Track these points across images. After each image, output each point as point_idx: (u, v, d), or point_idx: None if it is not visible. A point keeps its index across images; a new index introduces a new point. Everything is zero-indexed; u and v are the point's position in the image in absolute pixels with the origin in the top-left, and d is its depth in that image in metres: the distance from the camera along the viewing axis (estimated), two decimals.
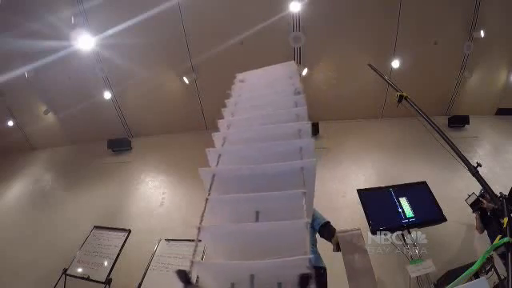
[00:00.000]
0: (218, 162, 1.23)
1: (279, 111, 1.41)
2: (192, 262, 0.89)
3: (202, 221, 1.02)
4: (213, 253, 1.09)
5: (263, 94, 1.63)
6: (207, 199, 1.08)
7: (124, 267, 3.94)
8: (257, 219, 1.05)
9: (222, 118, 1.51)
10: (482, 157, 5.14)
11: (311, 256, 0.80)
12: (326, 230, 2.37)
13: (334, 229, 2.33)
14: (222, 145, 1.31)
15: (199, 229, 1.00)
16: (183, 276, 0.82)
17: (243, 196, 1.10)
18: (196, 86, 5.74)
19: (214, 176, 1.16)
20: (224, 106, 1.57)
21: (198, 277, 0.88)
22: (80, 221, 4.75)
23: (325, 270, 2.28)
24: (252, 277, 0.86)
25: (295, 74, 1.74)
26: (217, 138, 1.35)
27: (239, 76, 1.87)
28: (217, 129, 1.44)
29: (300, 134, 1.25)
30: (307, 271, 0.78)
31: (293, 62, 2.00)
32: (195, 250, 0.97)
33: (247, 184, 1.12)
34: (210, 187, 1.12)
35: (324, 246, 2.37)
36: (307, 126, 1.27)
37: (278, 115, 1.39)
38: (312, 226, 2.39)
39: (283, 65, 2.02)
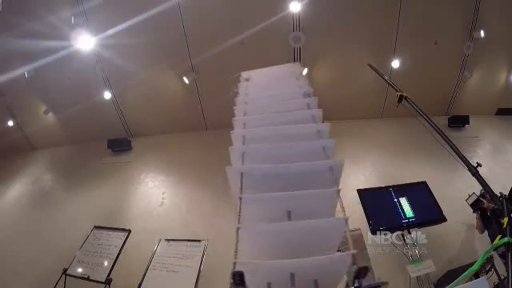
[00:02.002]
0: (242, 160, 1.23)
1: (295, 112, 1.43)
2: (234, 263, 0.89)
3: (239, 221, 1.01)
4: (248, 252, 1.07)
5: (272, 94, 1.64)
6: (241, 198, 1.08)
7: (124, 267, 3.93)
8: (289, 218, 1.05)
9: (233, 116, 1.52)
10: (482, 157, 5.13)
11: (355, 251, 0.81)
12: None
13: None
14: (243, 143, 1.32)
15: (238, 228, 0.99)
16: (239, 278, 0.81)
17: (276, 195, 1.09)
18: (196, 86, 5.74)
19: (242, 174, 1.15)
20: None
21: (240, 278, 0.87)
22: (80, 221, 4.74)
23: None
24: (293, 275, 0.86)
25: (301, 75, 1.75)
26: (236, 136, 1.36)
27: (244, 74, 1.88)
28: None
29: (320, 135, 1.26)
30: (351, 266, 0.78)
31: (297, 64, 2.02)
32: (236, 251, 0.95)
33: (275, 183, 1.13)
34: (242, 186, 1.12)
35: None
36: (326, 127, 1.29)
37: (293, 115, 1.40)
38: None
39: (287, 65, 2.04)
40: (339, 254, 0.82)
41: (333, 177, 1.07)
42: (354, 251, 0.81)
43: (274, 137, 1.31)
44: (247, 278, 0.90)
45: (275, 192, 1.08)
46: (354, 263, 0.80)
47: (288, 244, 1.00)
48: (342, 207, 0.95)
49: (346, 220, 0.91)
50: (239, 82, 1.81)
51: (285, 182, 1.13)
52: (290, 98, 1.57)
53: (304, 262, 0.87)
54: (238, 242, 0.96)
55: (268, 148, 1.30)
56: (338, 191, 1.00)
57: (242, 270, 0.89)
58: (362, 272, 0.77)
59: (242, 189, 1.12)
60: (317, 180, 1.06)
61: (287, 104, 1.51)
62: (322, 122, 1.33)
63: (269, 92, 1.69)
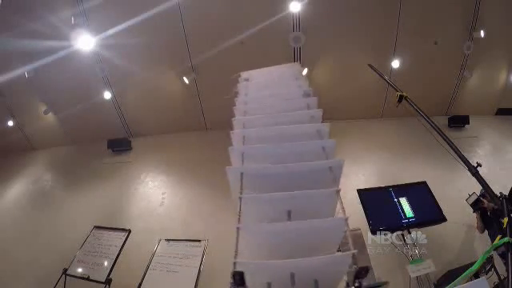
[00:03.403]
0: (242, 160, 1.23)
1: (295, 112, 1.42)
2: (234, 263, 0.89)
3: (239, 220, 1.01)
4: (248, 252, 1.07)
5: (272, 93, 1.64)
6: (240, 198, 1.08)
7: (124, 267, 3.93)
8: (289, 218, 1.05)
9: (233, 116, 1.52)
10: (481, 157, 5.14)
11: (355, 251, 0.81)
12: None
13: None
14: (243, 143, 1.32)
15: (238, 228, 0.99)
16: (239, 278, 0.81)
17: (276, 195, 1.09)
18: (196, 86, 5.74)
19: (242, 174, 1.15)
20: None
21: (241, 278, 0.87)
22: (80, 221, 4.74)
23: None
24: (293, 275, 0.86)
25: (301, 75, 1.76)
26: (236, 136, 1.36)
27: (244, 74, 1.88)
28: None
29: (320, 135, 1.26)
30: (352, 266, 0.78)
31: (297, 64, 2.02)
32: (236, 251, 0.95)
33: (275, 183, 1.13)
34: (241, 186, 1.12)
35: None
36: (326, 127, 1.28)
37: (293, 116, 1.40)
38: None
39: (287, 66, 2.04)
40: (339, 254, 0.81)
41: (332, 177, 1.07)
42: (355, 251, 0.81)
43: (273, 137, 1.31)
44: (247, 278, 0.90)
45: (275, 192, 1.08)
46: (354, 263, 0.80)
47: (288, 244, 1.00)
48: (343, 207, 0.95)
49: (346, 220, 0.91)
50: (239, 82, 1.82)
51: (285, 182, 1.13)
52: (290, 97, 1.57)
53: (304, 261, 0.87)
54: (237, 241, 0.96)
55: (267, 148, 1.30)
56: (338, 191, 0.99)
57: (242, 270, 0.89)
58: (362, 272, 0.77)
59: (241, 189, 1.11)
60: (317, 180, 1.06)
61: (287, 104, 1.51)
62: (322, 122, 1.33)
63: (268, 92, 1.69)
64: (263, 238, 1.03)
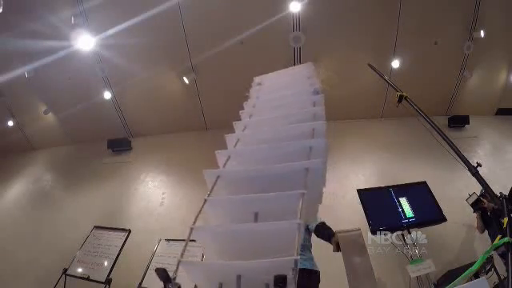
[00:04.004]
0: (225, 163, 1.23)
1: (296, 111, 1.40)
2: (179, 262, 0.90)
3: (195, 221, 1.02)
4: (208, 253, 1.10)
5: (282, 95, 1.63)
6: (205, 200, 1.08)
7: (124, 267, 3.93)
8: (255, 220, 1.05)
9: (234, 117, 1.51)
10: (481, 157, 5.14)
11: (297, 257, 0.79)
12: (322, 229, 2.32)
13: (331, 228, 2.31)
14: (235, 146, 1.31)
15: (191, 229, 1.01)
16: (163, 274, 0.82)
17: (241, 197, 1.10)
18: (196, 86, 5.74)
19: (217, 177, 1.16)
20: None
21: (175, 275, 0.89)
22: (80, 221, 4.75)
23: (319, 273, 2.25)
24: (239, 277, 0.86)
25: (313, 74, 1.74)
26: (230, 139, 1.35)
27: (256, 79, 1.88)
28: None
29: (314, 134, 1.23)
30: (292, 272, 0.77)
31: (310, 63, 1.99)
32: (184, 250, 0.97)
33: (251, 185, 1.12)
34: (212, 188, 1.13)
35: (323, 246, 2.36)
36: (321, 124, 1.25)
37: (294, 115, 1.38)
38: (307, 229, 2.35)
39: (300, 66, 2.03)
40: (282, 258, 0.80)
41: (304, 179, 1.06)
42: (297, 257, 0.80)
43: (268, 139, 1.30)
44: (197, 277, 0.94)
45: (247, 194, 1.09)
46: (293, 269, 0.79)
47: (241, 246, 1.01)
48: (301, 212, 0.93)
49: (299, 224, 0.89)
50: (251, 87, 1.81)
51: (261, 185, 1.12)
52: (299, 96, 1.55)
53: (249, 264, 0.87)
54: (187, 241, 0.98)
55: (253, 150, 1.29)
56: (302, 194, 0.97)
57: (189, 269, 0.93)
58: (278, 280, 0.76)
59: (211, 191, 1.13)
60: (294, 182, 1.05)
61: (295, 104, 1.49)
62: (324, 120, 1.31)
63: (279, 93, 1.68)
64: (215, 239, 1.04)
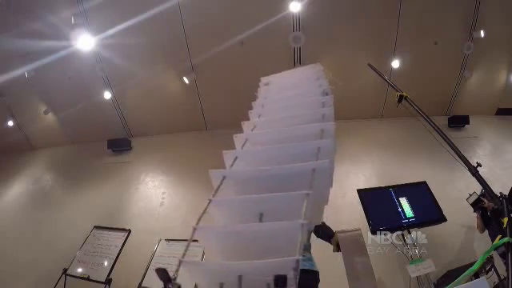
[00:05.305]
0: (232, 163, 1.22)
1: (305, 112, 1.39)
2: (180, 261, 0.90)
3: (198, 221, 1.02)
4: (209, 253, 1.09)
5: (290, 95, 1.61)
6: (210, 200, 1.08)
7: (124, 267, 3.94)
8: (260, 221, 1.04)
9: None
10: (481, 157, 5.14)
11: (299, 257, 0.79)
12: (321, 229, 2.30)
13: (331, 228, 2.31)
14: (242, 147, 1.30)
15: (194, 229, 1.01)
16: (163, 274, 0.82)
17: (245, 197, 1.09)
18: (196, 86, 5.74)
19: (223, 178, 1.15)
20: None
21: (176, 275, 0.88)
22: (80, 221, 4.75)
23: (318, 273, 2.25)
24: (240, 278, 0.86)
25: (322, 74, 1.73)
26: (238, 139, 1.34)
27: (264, 79, 1.87)
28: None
29: (322, 135, 1.22)
30: (294, 273, 0.77)
31: (318, 64, 1.98)
32: (186, 250, 0.97)
33: (257, 186, 1.11)
34: (217, 189, 1.12)
35: (324, 246, 2.36)
36: (330, 125, 1.25)
37: (303, 116, 1.37)
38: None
39: (308, 67, 2.01)
40: (283, 258, 0.80)
41: (311, 179, 1.05)
42: (298, 257, 0.79)
43: (276, 140, 1.29)
44: (198, 278, 0.93)
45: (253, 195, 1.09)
46: (295, 269, 0.78)
47: (243, 247, 1.00)
48: (305, 213, 0.92)
49: (303, 225, 0.89)
50: (259, 87, 1.80)
51: (268, 185, 1.12)
52: (308, 97, 1.54)
53: (251, 264, 0.87)
54: (190, 241, 0.98)
55: (261, 151, 1.28)
56: (307, 195, 0.97)
57: (190, 268, 0.92)
58: (278, 280, 0.76)
59: (216, 191, 1.12)
60: (301, 183, 1.04)
61: (304, 105, 1.48)
62: (333, 121, 1.30)
63: (287, 93, 1.67)
64: (217, 239, 1.04)
